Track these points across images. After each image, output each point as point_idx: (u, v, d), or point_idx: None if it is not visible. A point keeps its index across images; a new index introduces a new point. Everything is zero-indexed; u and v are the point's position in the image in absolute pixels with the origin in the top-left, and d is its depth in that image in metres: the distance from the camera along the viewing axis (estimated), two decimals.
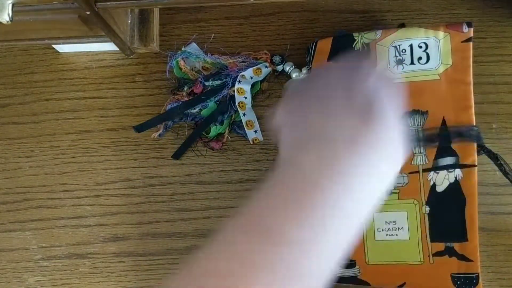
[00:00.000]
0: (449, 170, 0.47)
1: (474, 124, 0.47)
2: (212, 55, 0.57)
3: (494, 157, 0.48)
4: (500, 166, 0.48)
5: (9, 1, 0.41)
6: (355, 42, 0.52)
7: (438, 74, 0.49)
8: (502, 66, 0.55)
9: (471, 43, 0.49)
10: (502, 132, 0.54)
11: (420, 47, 0.50)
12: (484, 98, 0.54)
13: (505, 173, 0.48)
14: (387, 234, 0.48)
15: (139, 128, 0.57)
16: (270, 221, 0.25)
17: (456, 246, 0.46)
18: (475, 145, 0.47)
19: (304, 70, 0.55)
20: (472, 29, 0.49)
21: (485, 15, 0.56)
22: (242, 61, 0.56)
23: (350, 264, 0.49)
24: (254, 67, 0.55)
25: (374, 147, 0.26)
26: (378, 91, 0.28)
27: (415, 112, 0.49)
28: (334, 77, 0.29)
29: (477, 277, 0.45)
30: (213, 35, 0.59)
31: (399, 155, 0.28)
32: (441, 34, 0.50)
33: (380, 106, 0.27)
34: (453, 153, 0.48)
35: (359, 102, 0.27)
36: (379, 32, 0.51)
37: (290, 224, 0.25)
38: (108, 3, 0.45)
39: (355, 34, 0.52)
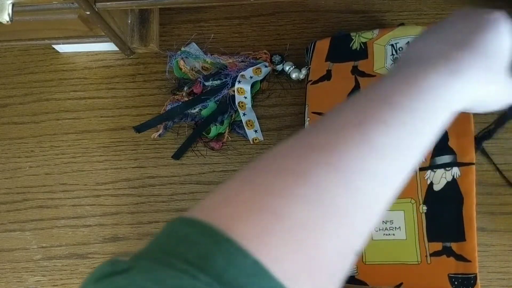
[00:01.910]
0: (447, 168, 0.47)
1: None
2: (211, 55, 0.57)
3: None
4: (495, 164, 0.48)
5: (9, 1, 0.41)
6: (353, 42, 0.52)
7: None
8: None
9: None
10: (502, 132, 0.54)
11: None
12: None
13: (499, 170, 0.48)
14: (384, 234, 0.48)
15: (139, 128, 0.57)
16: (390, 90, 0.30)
17: (454, 246, 0.46)
18: (474, 143, 0.47)
19: (303, 71, 0.55)
20: None
21: None
22: (242, 61, 0.56)
23: None
24: (254, 67, 0.55)
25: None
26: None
27: None
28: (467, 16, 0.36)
29: (475, 278, 0.45)
30: (212, 35, 0.59)
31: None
32: None
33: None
34: (450, 151, 0.47)
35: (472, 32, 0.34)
36: (376, 31, 0.51)
37: (406, 93, 0.29)
38: (108, 3, 0.45)
39: (353, 34, 0.52)
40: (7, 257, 0.58)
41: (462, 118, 0.47)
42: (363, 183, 0.26)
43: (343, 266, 0.25)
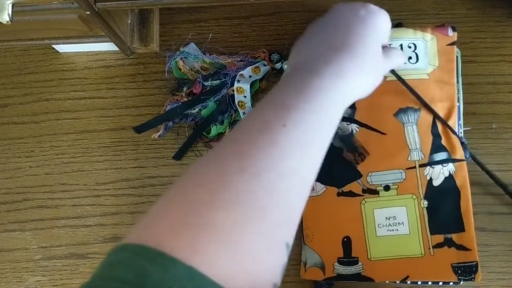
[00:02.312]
0: (443, 164, 0.49)
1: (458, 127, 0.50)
2: (210, 55, 0.57)
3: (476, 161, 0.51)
4: (483, 167, 0.51)
5: (9, 1, 0.41)
6: None
7: (427, 73, 0.51)
8: (502, 66, 0.55)
9: (455, 47, 0.51)
10: (502, 132, 0.54)
11: (410, 47, 0.51)
12: (484, 98, 0.54)
13: (489, 174, 0.51)
14: (388, 230, 0.49)
15: (139, 129, 0.57)
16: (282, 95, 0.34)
17: (454, 237, 0.48)
18: (459, 142, 0.50)
19: None
20: (456, 33, 0.51)
21: (485, 15, 0.56)
22: (241, 60, 0.56)
23: (353, 261, 0.49)
24: (253, 66, 0.55)
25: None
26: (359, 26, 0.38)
27: (409, 109, 0.50)
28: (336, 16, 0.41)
29: (476, 265, 0.47)
30: (210, 34, 0.59)
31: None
32: (428, 36, 0.51)
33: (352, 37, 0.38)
34: (444, 149, 0.50)
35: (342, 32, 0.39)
36: None
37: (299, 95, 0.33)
38: (108, 3, 0.45)
39: None
40: (7, 257, 0.58)
41: (447, 119, 0.50)
42: (277, 181, 0.28)
43: (277, 259, 0.27)
